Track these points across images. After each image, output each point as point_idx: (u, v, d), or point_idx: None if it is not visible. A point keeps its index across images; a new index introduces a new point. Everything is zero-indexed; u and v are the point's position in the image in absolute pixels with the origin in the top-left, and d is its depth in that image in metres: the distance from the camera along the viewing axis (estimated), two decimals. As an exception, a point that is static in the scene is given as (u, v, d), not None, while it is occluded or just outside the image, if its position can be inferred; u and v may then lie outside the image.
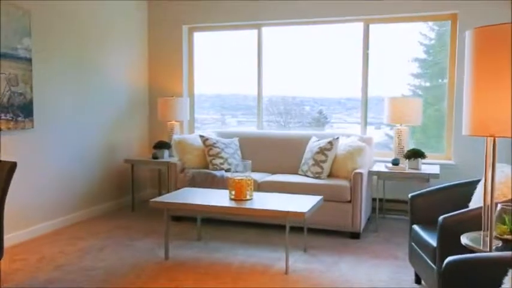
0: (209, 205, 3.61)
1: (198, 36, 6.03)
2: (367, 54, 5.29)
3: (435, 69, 4.98)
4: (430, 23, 5.00)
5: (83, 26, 4.95)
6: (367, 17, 5.20)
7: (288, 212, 3.41)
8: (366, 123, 5.41)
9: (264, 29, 5.69)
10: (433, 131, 5.28)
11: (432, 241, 2.75)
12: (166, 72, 5.99)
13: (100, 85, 5.26)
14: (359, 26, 5.31)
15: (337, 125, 5.17)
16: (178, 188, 4.84)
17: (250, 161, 3.90)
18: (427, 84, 5.05)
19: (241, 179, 3.74)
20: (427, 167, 4.72)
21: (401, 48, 5.17)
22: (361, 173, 4.33)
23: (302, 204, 3.61)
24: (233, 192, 3.76)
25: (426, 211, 3.21)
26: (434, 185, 4.53)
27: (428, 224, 3.06)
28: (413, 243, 3.17)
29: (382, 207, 4.99)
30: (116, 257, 3.85)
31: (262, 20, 5.55)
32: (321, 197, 3.87)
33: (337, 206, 4.36)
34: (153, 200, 3.76)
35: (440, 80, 4.97)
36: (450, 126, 5.05)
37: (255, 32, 5.72)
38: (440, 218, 2.60)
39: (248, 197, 3.75)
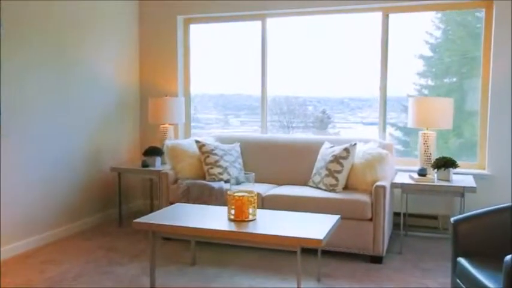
0: (203, 228, 2.96)
1: (194, 29, 5.38)
2: (386, 48, 4.64)
3: (442, 68, 4.41)
4: (437, 21, 4.43)
5: (64, 14, 4.31)
6: (387, 5, 4.54)
7: (300, 238, 2.75)
8: (384, 127, 4.75)
9: (269, 20, 5.04)
10: (449, 134, 4.61)
11: (493, 286, 2.10)
12: (159, 69, 5.35)
13: (83, 83, 4.61)
14: (377, 16, 4.66)
15: (340, 125, 4.90)
16: (171, 202, 4.20)
17: (253, 174, 3.25)
18: (431, 83, 4.50)
19: (243, 196, 3.09)
20: (458, 177, 4.06)
21: (408, 43, 4.57)
22: (384, 187, 3.67)
23: (317, 226, 2.96)
24: (233, 212, 3.11)
25: (474, 240, 2.56)
26: (471, 202, 3.94)
27: (479, 257, 2.42)
28: (459, 281, 2.51)
29: (404, 223, 4.31)
30: (92, 288, 3.22)
31: (267, 9, 4.90)
32: (338, 216, 3.21)
33: (355, 225, 3.71)
34: (136, 220, 3.11)
35: (447, 80, 4.45)
36: (484, 130, 4.38)
37: (258, 23, 5.07)
38: (508, 258, 1.94)
39: (251, 217, 3.10)
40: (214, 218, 3.19)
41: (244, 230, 2.90)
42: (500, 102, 4.21)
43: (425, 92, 4.61)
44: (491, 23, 4.26)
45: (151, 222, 3.06)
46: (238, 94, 5.47)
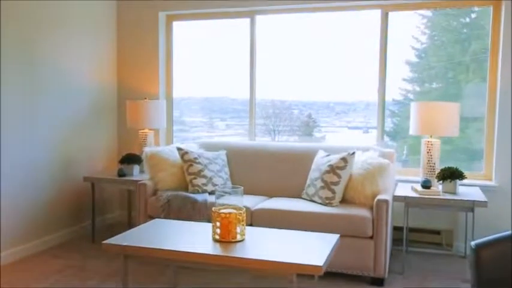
0: (183, 251, 2.55)
1: (177, 26, 4.98)
2: (385, 49, 4.31)
3: (427, 73, 4.23)
4: (422, 27, 4.25)
5: (31, 8, 3.87)
6: (386, 2, 4.20)
7: (297, 265, 2.37)
8: (383, 133, 4.41)
9: (258, 18, 4.67)
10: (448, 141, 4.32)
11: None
12: (139, 70, 4.93)
13: (53, 84, 4.18)
14: (368, 17, 4.33)
15: (325, 129, 4.80)
16: (150, 216, 3.79)
17: (241, 188, 2.85)
18: (417, 88, 4.34)
19: (230, 214, 2.69)
20: (464, 190, 3.72)
21: (395, 48, 4.29)
22: (386, 201, 3.31)
23: (315, 249, 2.58)
24: (218, 231, 2.71)
25: (499, 268, 2.19)
26: (476, 216, 3.61)
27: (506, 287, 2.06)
28: (482, 316, 2.15)
29: (401, 238, 3.94)
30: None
31: (256, 5, 4.52)
32: (338, 236, 2.83)
33: (354, 244, 3.34)
34: (106, 242, 2.68)
35: (434, 84, 4.27)
36: (491, 138, 4.06)
37: (247, 21, 4.70)
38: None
39: (239, 238, 2.70)
40: (197, 238, 2.79)
41: (231, 254, 2.50)
42: (509, 107, 3.88)
43: (411, 96, 4.40)
44: (499, 21, 3.95)
45: (123, 244, 2.64)
46: (224, 97, 5.13)
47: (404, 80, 4.38)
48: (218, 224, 2.71)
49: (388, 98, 4.38)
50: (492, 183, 3.98)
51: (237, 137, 5.00)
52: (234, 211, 2.73)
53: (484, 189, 3.85)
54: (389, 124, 4.47)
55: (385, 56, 4.32)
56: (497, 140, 3.96)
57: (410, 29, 4.26)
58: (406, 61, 4.36)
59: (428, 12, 4.25)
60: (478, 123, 4.14)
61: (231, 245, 2.64)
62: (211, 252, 2.53)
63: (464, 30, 4.13)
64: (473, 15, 4.18)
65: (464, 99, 4.13)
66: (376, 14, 4.31)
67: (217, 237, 2.70)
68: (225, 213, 2.69)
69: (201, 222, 3.49)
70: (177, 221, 3.22)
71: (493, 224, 3.90)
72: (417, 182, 3.92)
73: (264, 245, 2.67)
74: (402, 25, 4.25)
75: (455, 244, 4.08)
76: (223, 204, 2.82)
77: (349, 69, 4.48)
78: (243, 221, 2.74)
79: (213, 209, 2.75)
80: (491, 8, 4.00)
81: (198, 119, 5.21)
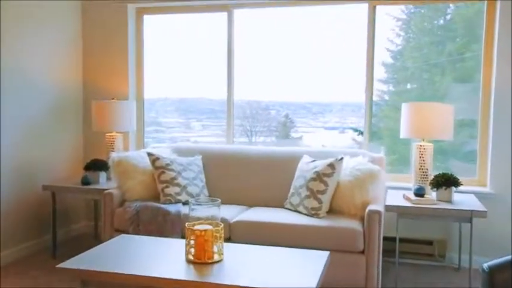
0: (150, 277, 2.19)
1: (149, 20, 4.60)
2: (373, 46, 4.03)
3: (403, 74, 4.15)
4: (397, 29, 4.11)
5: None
6: (374, -4, 3.92)
7: (283, 292, 2.03)
8: (370, 136, 4.13)
9: (236, 12, 4.33)
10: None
11: None
12: (106, 68, 4.53)
13: (10, 84, 3.74)
14: (362, 8, 4.05)
15: (302, 129, 4.73)
16: (117, 230, 3.42)
17: (219, 200, 2.51)
18: (392, 89, 4.26)
19: (205, 230, 2.34)
20: (458, 197, 3.46)
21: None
22: (378, 212, 3.00)
23: (303, 271, 2.26)
24: (192, 251, 2.36)
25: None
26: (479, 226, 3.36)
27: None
28: None
29: (392, 248, 3.65)
30: None
31: (234, -1, 4.19)
32: (328, 253, 2.51)
33: (344, 259, 3.02)
34: (61, 265, 2.30)
35: (409, 86, 4.21)
36: (485, 141, 3.81)
37: (223, 15, 4.35)
38: None
39: (216, 258, 2.36)
40: (168, 258, 2.44)
41: (207, 280, 2.15)
42: (505, 110, 3.64)
43: (386, 97, 4.25)
44: (494, 18, 3.70)
45: (80, 268, 2.26)
46: (201, 98, 4.83)
47: (379, 80, 4.23)
48: (192, 242, 2.37)
49: (364, 98, 4.21)
50: (487, 189, 3.73)
51: (213, 137, 4.77)
52: (211, 227, 2.39)
53: (480, 196, 3.60)
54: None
55: (373, 53, 4.04)
56: (492, 144, 3.71)
57: (385, 30, 4.09)
58: (382, 62, 4.17)
59: (403, 15, 4.10)
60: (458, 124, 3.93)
61: (207, 267, 2.29)
62: (183, 278, 2.17)
63: (439, 32, 4.07)
64: (447, 17, 4.07)
65: (442, 100, 3.94)
66: (360, 9, 4.04)
67: (191, 257, 2.36)
68: (200, 231, 2.34)
69: (174, 237, 3.14)
70: (146, 237, 2.85)
71: (490, 234, 3.66)
72: (407, 188, 3.66)
73: (246, 267, 2.32)
74: (377, 27, 4.04)
75: (448, 255, 3.81)
76: (198, 218, 2.48)
77: (327, 68, 4.30)
78: (220, 238, 2.40)
79: (187, 224, 2.41)
80: (485, 6, 3.76)
81: (174, 119, 5.01)
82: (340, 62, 4.23)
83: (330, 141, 4.64)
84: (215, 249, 2.38)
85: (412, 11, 4.12)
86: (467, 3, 3.87)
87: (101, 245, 2.67)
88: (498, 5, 3.63)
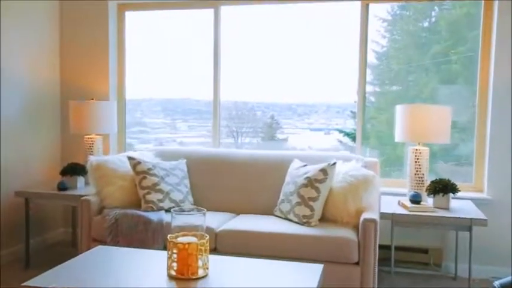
0: (128, 296, 1.98)
1: (131, 17, 4.37)
2: (365, 45, 3.88)
3: (390, 76, 4.10)
4: (382, 30, 4.05)
5: None
6: (367, -7, 3.76)
7: (275, 314, 1.84)
8: (362, 139, 3.96)
9: (224, 9, 4.14)
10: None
11: None
12: (86, 66, 4.29)
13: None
14: (351, 7, 3.90)
15: (288, 130, 4.69)
16: (95, 240, 3.20)
17: (205, 210, 2.30)
18: (378, 90, 4.18)
19: (189, 243, 2.14)
20: (456, 204, 3.31)
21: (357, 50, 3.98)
22: (374, 221, 2.83)
23: (296, 287, 2.06)
24: (174, 265, 2.15)
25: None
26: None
27: None
28: None
29: (388, 257, 3.48)
30: None
31: (221, -5, 4.00)
32: (322, 266, 2.33)
33: (337, 270, 2.83)
34: (25, 284, 2.07)
35: (394, 87, 4.16)
36: (482, 146, 3.66)
37: (210, 12, 4.15)
38: None
39: (201, 273, 2.16)
40: (148, 273, 2.22)
41: (190, 300, 1.95)
42: (503, 112, 3.50)
43: (372, 99, 4.15)
44: (491, 18, 3.57)
45: (49, 287, 2.04)
46: (187, 98, 4.67)
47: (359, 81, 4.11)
48: (175, 256, 2.16)
49: (350, 100, 4.17)
50: (484, 195, 3.58)
51: (200, 138, 4.62)
52: (195, 239, 2.18)
53: (477, 202, 3.45)
54: (351, 126, 4.31)
55: (366, 53, 3.89)
56: (489, 147, 3.57)
57: (370, 32, 3.99)
58: (367, 64, 4.05)
59: (388, 16, 3.99)
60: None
61: (190, 283, 2.09)
62: (164, 297, 1.96)
63: (423, 35, 4.06)
64: (432, 19, 4.06)
65: (427, 102, 3.84)
66: (350, 7, 3.91)
67: (173, 273, 2.15)
68: (184, 244, 2.13)
69: (156, 248, 2.94)
70: (125, 248, 2.63)
71: (488, 242, 3.51)
72: (401, 194, 3.51)
73: (233, 283, 2.13)
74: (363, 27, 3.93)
75: (444, 264, 3.66)
76: (180, 229, 2.27)
77: (313, 69, 4.18)
78: (206, 251, 2.20)
79: (169, 237, 2.20)
80: (482, 5, 3.62)
81: (160, 120, 4.88)
82: (327, 62, 4.12)
83: (316, 143, 4.61)
84: (200, 263, 2.17)
85: (398, 12, 4.07)
86: (455, 3, 3.77)
87: (76, 258, 2.44)
88: (496, 5, 3.49)
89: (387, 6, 3.93)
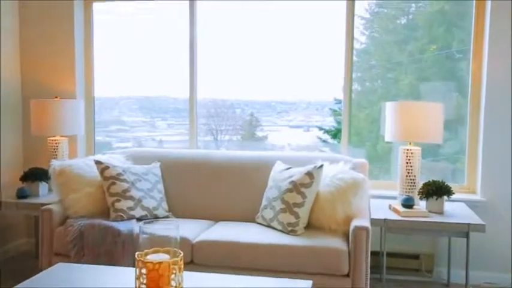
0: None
1: (99, 9, 4.05)
2: (352, 42, 3.65)
3: (370, 73, 3.99)
4: (361, 27, 3.92)
5: None
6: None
7: None
8: (349, 139, 3.74)
9: (199, 3, 3.86)
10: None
11: None
12: (49, 62, 3.95)
13: None
14: (337, 3, 3.68)
15: (268, 127, 4.57)
16: (58, 255, 2.89)
17: (177, 223, 2.02)
18: (358, 87, 4.06)
19: (160, 263, 1.86)
20: (450, 207, 3.11)
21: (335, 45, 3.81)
22: (366, 229, 2.59)
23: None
24: (144, 287, 1.87)
25: None
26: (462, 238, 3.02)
27: None
28: None
29: (378, 264, 3.25)
30: None
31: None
32: (311, 282, 2.08)
33: (325, 283, 2.60)
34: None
35: (375, 84, 4.05)
36: (474, 145, 3.47)
37: (185, 4, 3.87)
38: None
39: (173, 295, 1.88)
40: (113, 296, 1.94)
41: (161, 330, 1.67)
42: (497, 111, 3.31)
43: (353, 96, 3.96)
44: (484, 18, 3.38)
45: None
46: (164, 96, 4.45)
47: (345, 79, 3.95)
48: (144, 277, 1.88)
49: (330, 97, 4.04)
50: (478, 197, 3.39)
51: (179, 136, 4.37)
52: (167, 257, 1.90)
53: (470, 205, 3.26)
54: (330, 123, 4.23)
55: (352, 50, 3.68)
56: (482, 147, 3.37)
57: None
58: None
59: (367, 14, 3.82)
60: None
61: (162, 309, 1.81)
62: (130, 328, 1.68)
63: (403, 31, 3.95)
64: (410, 17, 3.95)
65: (407, 99, 3.69)
66: (333, 4, 3.69)
67: (142, 296, 1.87)
68: (154, 263, 1.85)
69: (125, 264, 2.65)
70: (89, 266, 2.34)
71: (482, 247, 3.32)
72: (391, 197, 3.29)
73: (211, 307, 1.86)
74: (342, 25, 3.74)
75: (435, 270, 3.45)
76: (151, 243, 1.98)
77: (292, 66, 3.98)
78: (180, 270, 1.92)
79: (137, 254, 1.91)
80: (474, 1, 3.44)
81: (139, 118, 4.68)
82: (307, 59, 3.91)
83: (295, 140, 4.53)
84: (173, 283, 1.90)
85: (376, 10, 3.93)
86: (432, 2, 3.60)
87: (33, 278, 2.14)
88: (489, 3, 3.30)
89: (365, 3, 3.75)
